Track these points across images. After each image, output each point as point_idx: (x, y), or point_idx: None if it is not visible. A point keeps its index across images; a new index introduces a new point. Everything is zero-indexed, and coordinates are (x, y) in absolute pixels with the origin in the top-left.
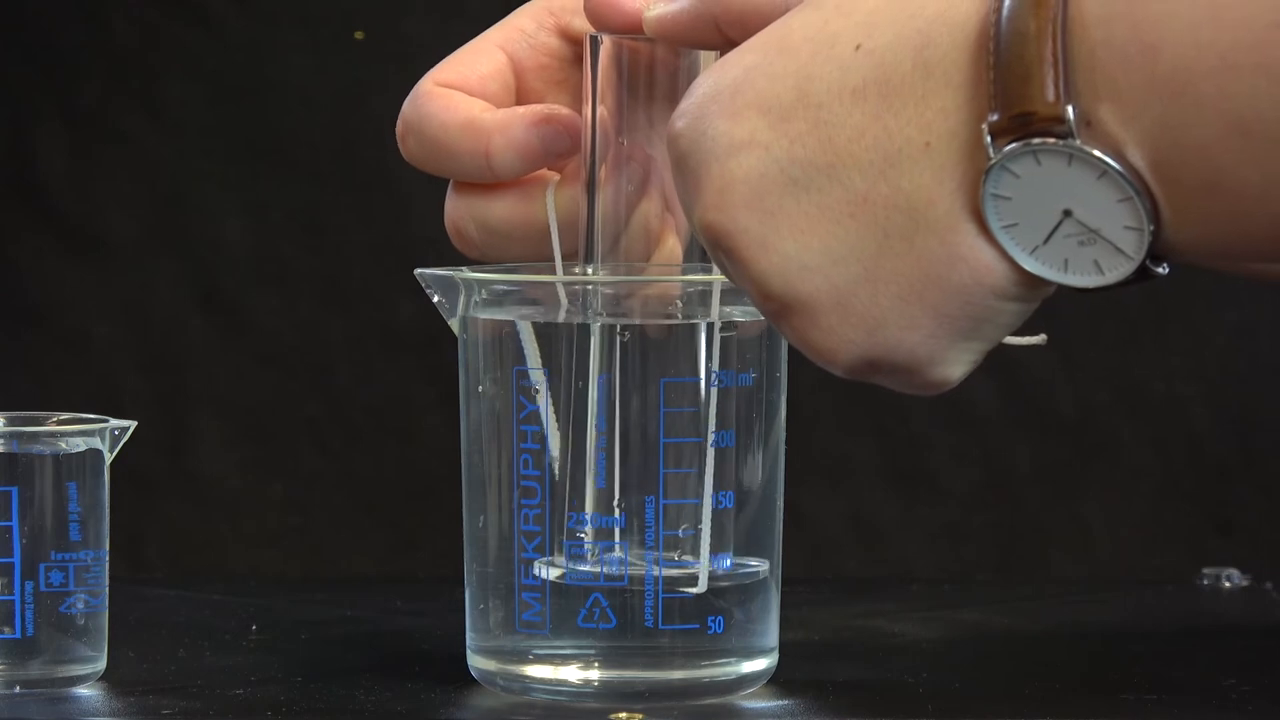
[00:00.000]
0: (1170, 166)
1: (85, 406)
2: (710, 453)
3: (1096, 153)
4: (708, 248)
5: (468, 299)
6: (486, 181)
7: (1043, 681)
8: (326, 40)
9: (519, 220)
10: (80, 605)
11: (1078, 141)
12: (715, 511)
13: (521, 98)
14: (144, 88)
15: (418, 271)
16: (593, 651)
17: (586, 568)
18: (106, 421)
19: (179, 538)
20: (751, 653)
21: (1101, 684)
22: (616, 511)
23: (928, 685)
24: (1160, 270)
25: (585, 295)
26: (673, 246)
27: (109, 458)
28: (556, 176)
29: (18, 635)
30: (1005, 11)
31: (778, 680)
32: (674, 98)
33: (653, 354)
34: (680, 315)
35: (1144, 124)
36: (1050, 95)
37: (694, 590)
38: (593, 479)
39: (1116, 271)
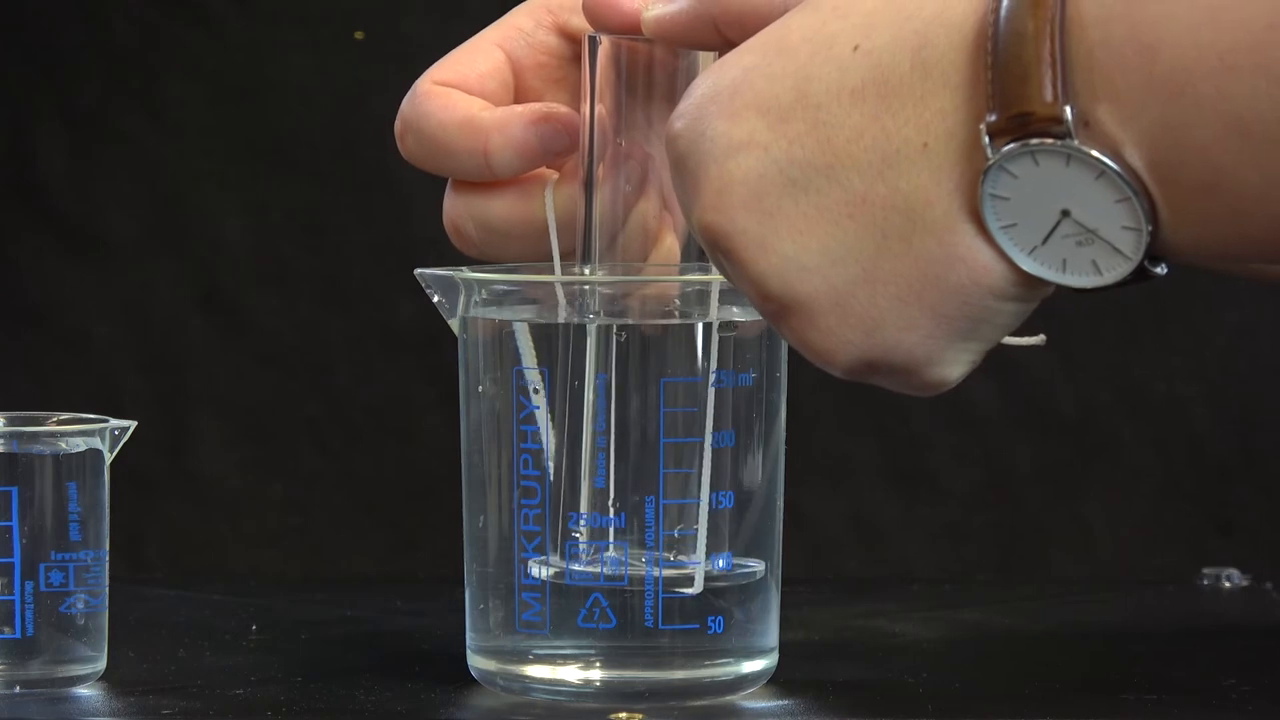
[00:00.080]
0: (1169, 167)
1: (85, 406)
2: (707, 453)
3: (1094, 153)
4: (706, 248)
5: (468, 299)
6: (485, 180)
7: (1043, 681)
8: (326, 40)
9: (517, 218)
10: (80, 605)
11: (1076, 142)
12: (713, 511)
13: (520, 96)
14: (144, 88)
15: (418, 271)
16: (593, 651)
17: (581, 567)
18: (106, 421)
19: (179, 538)
20: (751, 653)
21: (1101, 684)
22: (612, 511)
23: (928, 685)
24: (1158, 271)
25: (584, 295)
26: (670, 245)
27: (109, 458)
28: (555, 175)
29: (18, 635)
30: (1003, 12)
31: (778, 680)
32: (672, 98)
33: (653, 354)
34: (679, 315)
35: (1142, 124)
36: (1048, 95)
37: (690, 591)
38: (590, 479)
39: (1115, 272)
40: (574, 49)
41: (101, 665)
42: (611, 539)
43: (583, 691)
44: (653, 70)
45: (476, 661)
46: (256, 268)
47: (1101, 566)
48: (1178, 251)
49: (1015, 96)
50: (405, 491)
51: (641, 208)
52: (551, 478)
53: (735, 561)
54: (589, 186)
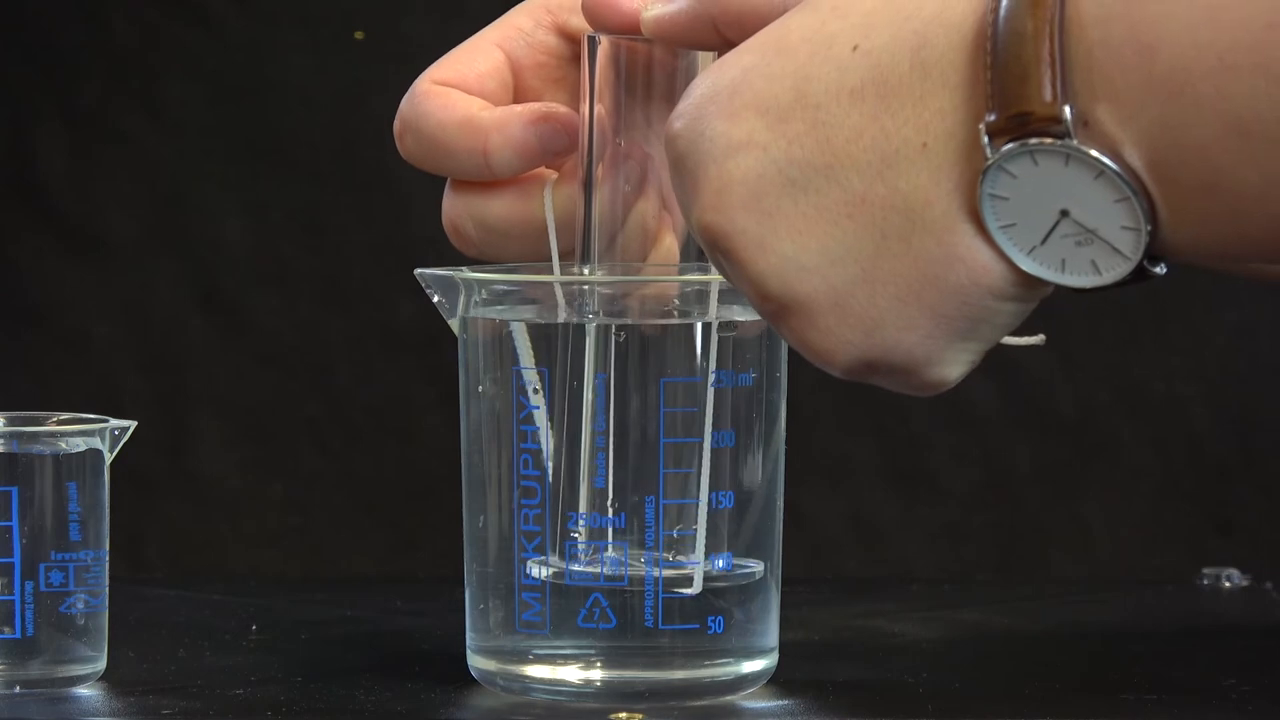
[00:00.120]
0: (1168, 167)
1: (85, 406)
2: (707, 453)
3: (1094, 153)
4: (705, 248)
5: (468, 299)
6: (484, 179)
7: (1043, 681)
8: (326, 40)
9: (517, 218)
10: (80, 605)
11: (1075, 141)
12: (713, 512)
13: (519, 96)
14: (144, 88)
15: (418, 271)
16: (593, 651)
17: (580, 567)
18: (106, 421)
19: (179, 538)
20: (751, 653)
21: (1101, 684)
22: (611, 511)
23: (928, 685)
24: (1158, 270)
25: (583, 295)
26: (670, 245)
27: (109, 458)
28: (554, 175)
29: (18, 635)
30: (1002, 12)
31: (778, 680)
32: (672, 98)
33: (652, 354)
34: (678, 315)
35: (1141, 124)
36: (1047, 95)
37: (689, 591)
38: (590, 479)
39: (1114, 272)
40: (573, 49)
41: (101, 665)
42: (610, 539)
43: (583, 691)
44: (652, 70)
45: (476, 661)
46: (256, 268)
47: (1101, 566)
48: (1177, 251)
49: (1014, 96)
50: (405, 491)
51: (641, 208)
52: (550, 478)
53: (735, 562)
54: (588, 186)
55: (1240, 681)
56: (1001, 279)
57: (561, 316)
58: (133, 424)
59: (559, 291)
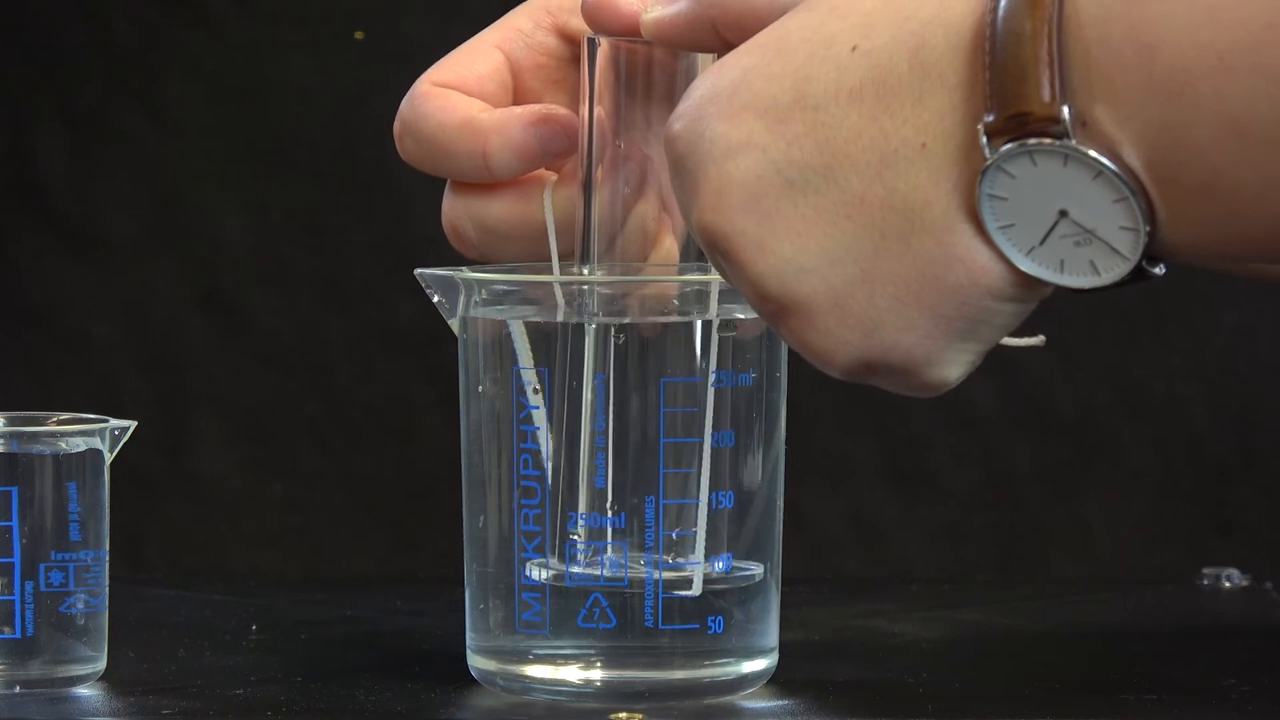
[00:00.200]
0: (1166, 167)
1: (85, 406)
2: (707, 453)
3: (1092, 153)
4: (705, 249)
5: (468, 299)
6: (484, 181)
7: (1043, 681)
8: (326, 40)
9: (516, 220)
10: (80, 605)
11: (1073, 142)
12: (713, 512)
13: (519, 97)
14: (144, 88)
15: (418, 271)
16: (593, 651)
17: (580, 569)
18: (106, 421)
19: (179, 538)
20: (751, 653)
21: (1101, 684)
22: (611, 512)
23: (928, 685)
24: (1156, 271)
25: (583, 295)
26: (669, 247)
27: (109, 458)
28: (554, 176)
29: (18, 635)
30: (1001, 12)
31: (778, 680)
32: (671, 99)
33: (652, 354)
34: (678, 315)
35: (1140, 124)
36: (1046, 95)
37: (689, 593)
38: (589, 479)
39: (1113, 272)
40: (573, 50)
41: (101, 665)
42: (610, 539)
43: (583, 691)
44: (652, 72)
45: (476, 661)
46: (256, 268)
47: (1101, 566)
48: (1176, 252)
49: (1013, 96)
50: (405, 491)
51: (640, 209)
52: (551, 479)
53: (735, 564)
54: (588, 188)
55: (1240, 681)
56: (1000, 279)
57: (561, 316)
58: (133, 424)
59: (559, 291)
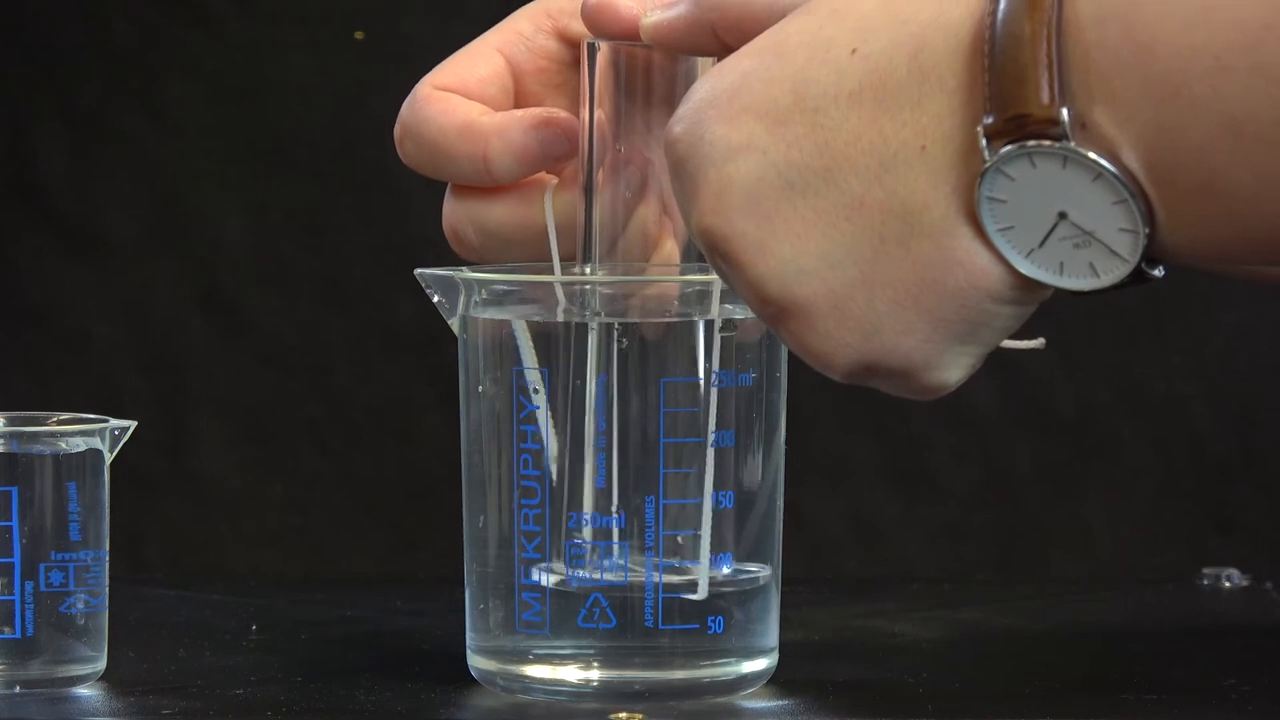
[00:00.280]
0: (1165, 168)
1: (85, 406)
2: (710, 455)
3: (1091, 155)
4: (705, 252)
5: (468, 299)
6: (485, 185)
7: (1043, 681)
8: (326, 40)
9: (517, 223)
10: (80, 605)
11: (1073, 144)
12: (715, 512)
13: (520, 101)
14: (144, 88)
15: (418, 271)
16: (592, 651)
17: (586, 573)
18: (106, 421)
19: (179, 538)
20: (751, 653)
21: (1101, 684)
22: (615, 512)
23: (928, 685)
24: (1156, 273)
25: (584, 295)
26: (670, 250)
27: (109, 458)
28: (555, 180)
29: (18, 635)
30: (1000, 14)
31: (778, 680)
32: (671, 102)
33: (653, 354)
34: (679, 315)
35: (1138, 126)
36: (1045, 97)
37: (695, 596)
38: (592, 479)
39: (1112, 274)
40: (574, 54)
41: (101, 665)
42: (616, 539)
43: (583, 691)
44: (651, 76)
45: (476, 661)
46: (256, 268)
47: (1101, 566)
48: (1175, 253)
49: (1012, 99)
50: (405, 491)
51: (641, 213)
52: (554, 479)
53: (740, 566)
54: (589, 192)
55: (1240, 681)
56: (1000, 282)
57: (561, 316)
58: (133, 424)
59: (559, 291)
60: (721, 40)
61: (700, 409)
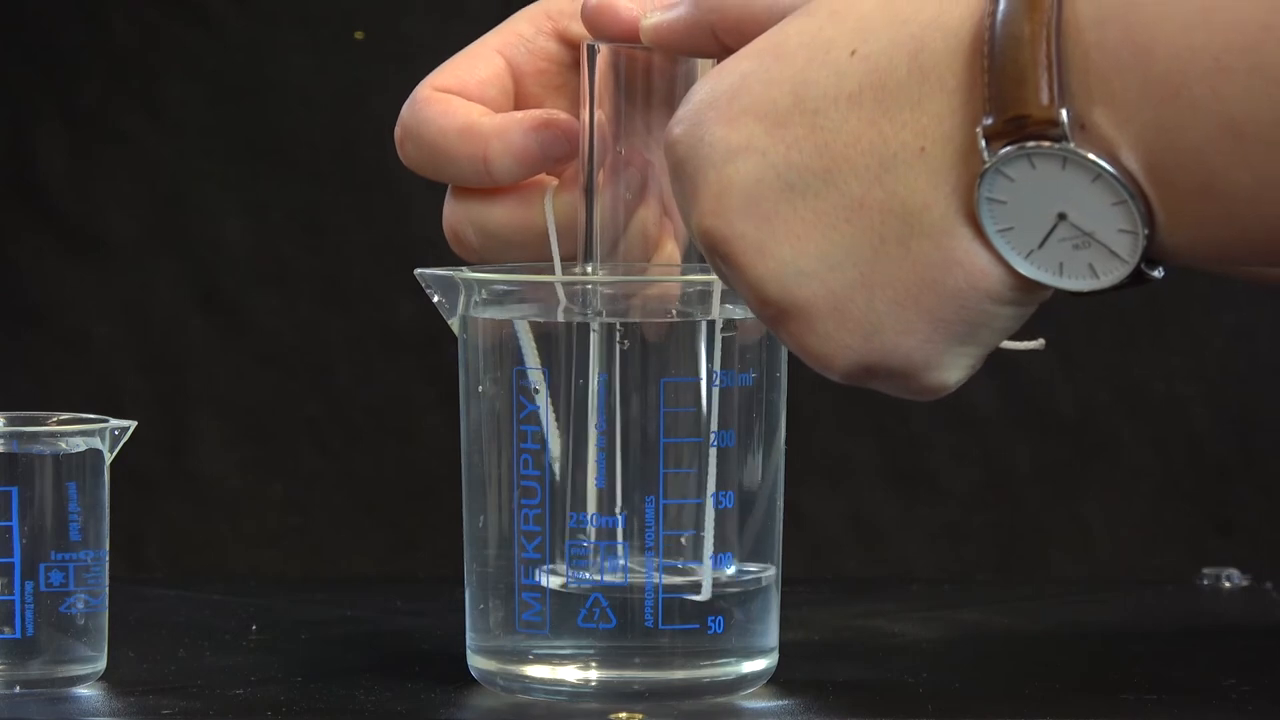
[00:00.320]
0: (1164, 169)
1: (85, 406)
2: (712, 456)
3: (1091, 156)
4: (705, 253)
5: (468, 299)
6: (485, 186)
7: (1043, 681)
8: (326, 40)
9: (517, 225)
10: (80, 605)
11: (1072, 145)
12: (715, 512)
13: (520, 103)
14: (144, 88)
15: (418, 271)
16: (592, 651)
17: (589, 574)
18: (106, 421)
19: (179, 538)
20: (751, 653)
21: (1101, 684)
22: (618, 512)
23: (928, 685)
24: (1155, 274)
25: (585, 295)
26: (671, 252)
27: (109, 458)
28: (555, 181)
29: (18, 635)
30: (1000, 15)
31: (778, 680)
32: (671, 104)
33: (653, 354)
34: (680, 315)
35: (1138, 127)
36: (1044, 98)
37: (699, 597)
38: (593, 479)
39: (1111, 275)
40: (574, 55)
41: (101, 665)
42: (613, 540)
43: (582, 691)
44: (651, 77)
45: (476, 661)
46: (256, 268)
47: (1101, 566)
48: (1174, 254)
49: (1011, 99)
50: (405, 491)
51: (642, 215)
52: (558, 478)
53: (742, 568)
54: (589, 193)
55: (1240, 681)
56: (999, 283)
57: (562, 316)
58: (133, 424)
59: (560, 291)
60: (721, 42)
61: (701, 409)
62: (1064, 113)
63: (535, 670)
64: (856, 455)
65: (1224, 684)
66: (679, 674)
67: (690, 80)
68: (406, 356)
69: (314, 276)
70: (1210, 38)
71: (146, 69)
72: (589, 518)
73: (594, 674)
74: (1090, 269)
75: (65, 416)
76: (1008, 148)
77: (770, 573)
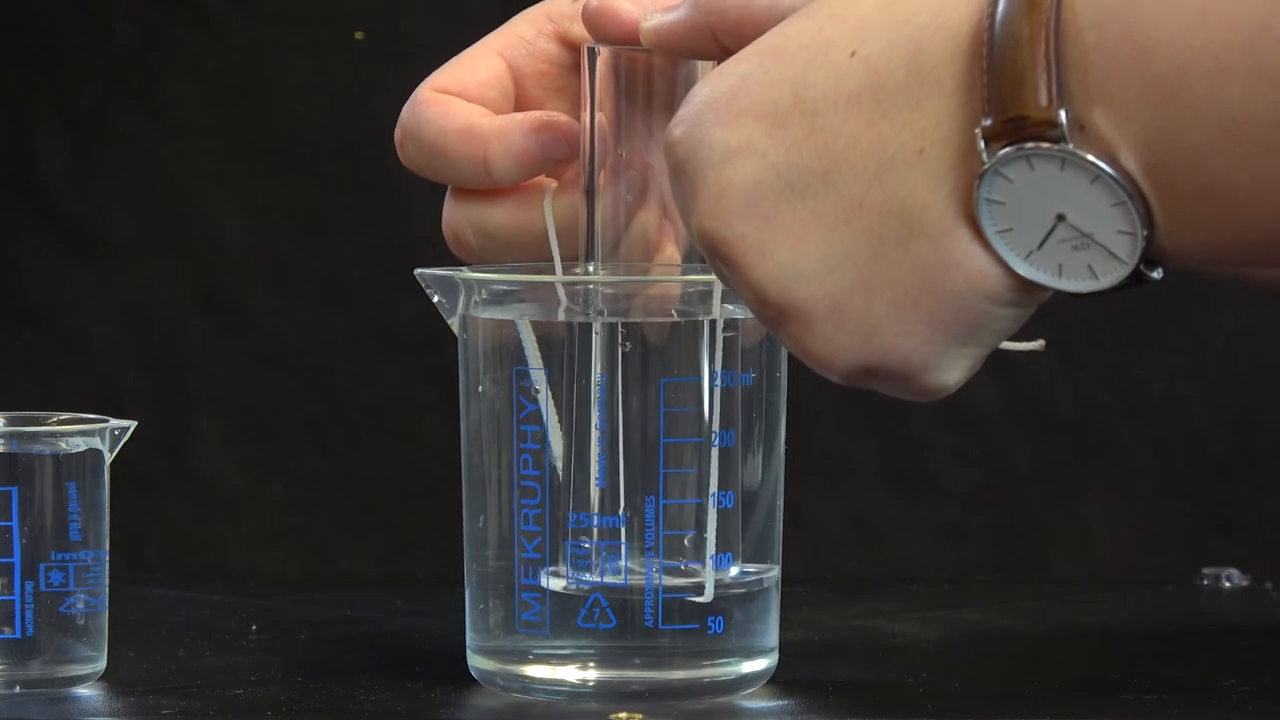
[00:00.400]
0: (1163, 170)
1: (85, 406)
2: (714, 457)
3: (1090, 157)
4: (705, 255)
5: (468, 299)
6: (485, 188)
7: (1043, 681)
8: (326, 40)
9: (517, 227)
10: (80, 605)
11: (1071, 146)
12: (716, 513)
13: (520, 104)
14: (144, 88)
15: (418, 271)
16: (592, 651)
17: (591, 577)
18: (106, 421)
19: (179, 538)
20: (751, 653)
21: (1101, 684)
22: (620, 512)
23: (928, 685)
24: (1154, 275)
25: (586, 295)
26: (671, 255)
27: (109, 458)
28: (554, 184)
29: (18, 635)
30: (999, 16)
31: (778, 680)
32: (672, 106)
33: (654, 354)
34: (680, 315)
35: (1137, 127)
36: (1043, 99)
37: (701, 599)
38: (594, 479)
39: (1110, 276)
40: (575, 58)
41: (101, 665)
42: (612, 540)
43: (582, 691)
44: (652, 80)
45: (476, 661)
46: (256, 268)
47: (1101, 566)
48: (1173, 255)
49: (1010, 100)
50: (405, 491)
51: (642, 217)
52: (561, 479)
53: (745, 569)
54: (590, 195)
55: (1240, 681)
56: (998, 284)
57: (562, 316)
58: (133, 424)
59: (561, 292)
60: (721, 43)
61: (702, 409)
62: (1063, 114)
63: (535, 670)
64: (856, 455)
65: (1224, 684)
66: (679, 674)
67: (691, 83)
68: (406, 356)
69: (314, 276)
70: (1210, 38)
71: (146, 69)
72: (589, 517)
73: (594, 674)
74: (1089, 270)
75: (65, 416)
76: (1006, 149)
77: (771, 574)
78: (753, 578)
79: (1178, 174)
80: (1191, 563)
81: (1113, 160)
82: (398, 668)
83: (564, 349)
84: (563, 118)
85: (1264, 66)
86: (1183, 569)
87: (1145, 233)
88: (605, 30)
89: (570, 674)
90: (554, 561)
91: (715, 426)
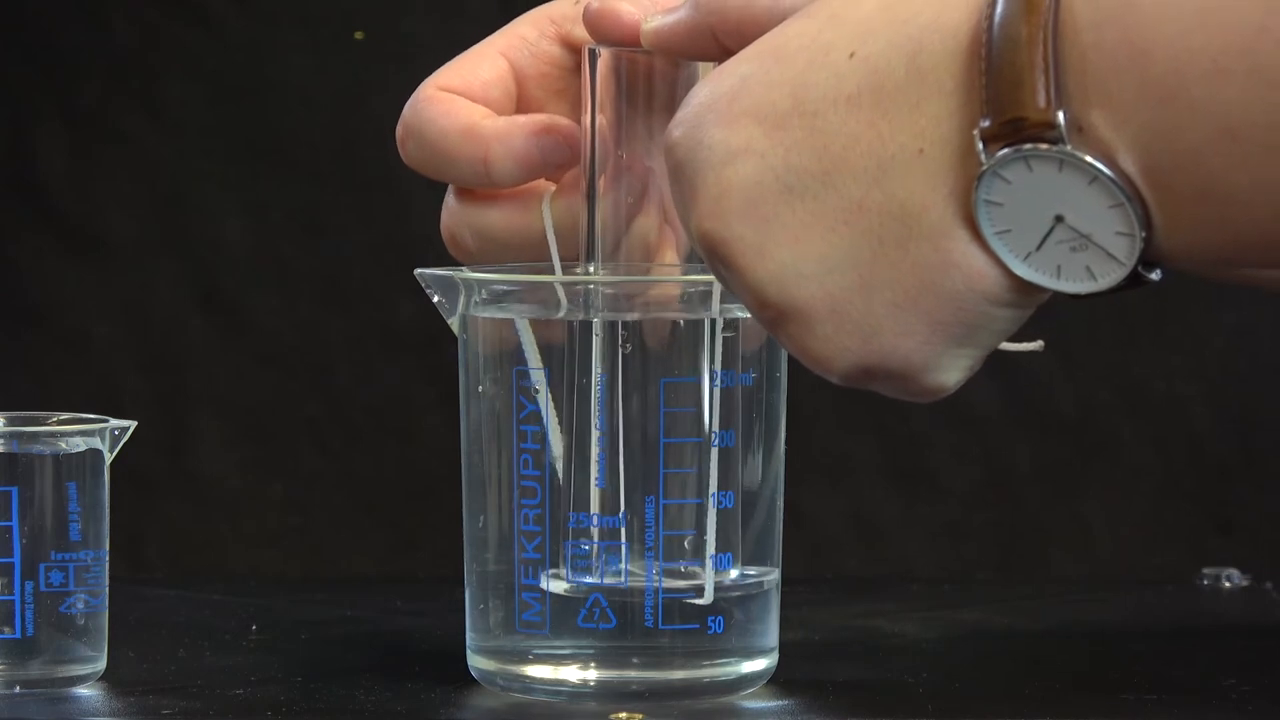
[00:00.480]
0: (1161, 172)
1: (85, 406)
2: (714, 458)
3: (1088, 158)
4: (704, 256)
5: (468, 299)
6: (484, 188)
7: (1043, 681)
8: (326, 40)
9: (515, 229)
10: (80, 605)
11: (1069, 147)
12: (716, 513)
13: (522, 105)
14: (144, 88)
15: (418, 271)
16: (592, 651)
17: (592, 579)
18: (106, 421)
19: (179, 538)
20: (751, 653)
21: (1101, 684)
22: (621, 511)
23: (928, 685)
24: (1153, 276)
25: (586, 295)
26: (671, 259)
27: (109, 458)
28: (553, 187)
29: (18, 635)
30: (997, 17)
31: (778, 680)
32: (672, 109)
33: (653, 354)
34: (680, 316)
35: (1135, 129)
36: (1041, 101)
37: (702, 600)
38: (594, 479)
39: (1109, 277)
40: (576, 59)
41: (101, 665)
42: (611, 540)
43: (582, 691)
44: (653, 82)
45: (476, 661)
46: (256, 268)
47: (1101, 566)
48: (1171, 257)
49: (1009, 102)
50: (405, 491)
51: (642, 221)
52: (561, 479)
53: (745, 571)
54: (590, 198)
55: (1240, 681)
56: (997, 285)
57: (562, 315)
58: (133, 424)
59: (560, 292)
60: (722, 45)
61: (702, 409)
62: (1061, 115)
63: (535, 670)
64: (857, 454)
65: (1224, 684)
66: (679, 674)
67: (691, 85)
68: (406, 356)
69: (314, 276)
70: (1208, 40)
71: (146, 69)
72: (589, 518)
73: (594, 674)
74: (1088, 271)
75: (65, 416)
76: (1005, 150)
77: (772, 575)
78: (752, 580)
79: (1176, 175)
80: (1191, 562)
81: (1111, 162)
82: (398, 668)
83: (564, 349)
84: (564, 122)
85: (1262, 68)
86: (1183, 569)
87: (1143, 234)
88: (606, 32)
89: (570, 674)
90: (554, 562)
91: (715, 426)
